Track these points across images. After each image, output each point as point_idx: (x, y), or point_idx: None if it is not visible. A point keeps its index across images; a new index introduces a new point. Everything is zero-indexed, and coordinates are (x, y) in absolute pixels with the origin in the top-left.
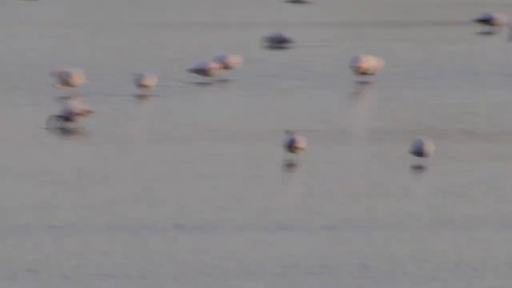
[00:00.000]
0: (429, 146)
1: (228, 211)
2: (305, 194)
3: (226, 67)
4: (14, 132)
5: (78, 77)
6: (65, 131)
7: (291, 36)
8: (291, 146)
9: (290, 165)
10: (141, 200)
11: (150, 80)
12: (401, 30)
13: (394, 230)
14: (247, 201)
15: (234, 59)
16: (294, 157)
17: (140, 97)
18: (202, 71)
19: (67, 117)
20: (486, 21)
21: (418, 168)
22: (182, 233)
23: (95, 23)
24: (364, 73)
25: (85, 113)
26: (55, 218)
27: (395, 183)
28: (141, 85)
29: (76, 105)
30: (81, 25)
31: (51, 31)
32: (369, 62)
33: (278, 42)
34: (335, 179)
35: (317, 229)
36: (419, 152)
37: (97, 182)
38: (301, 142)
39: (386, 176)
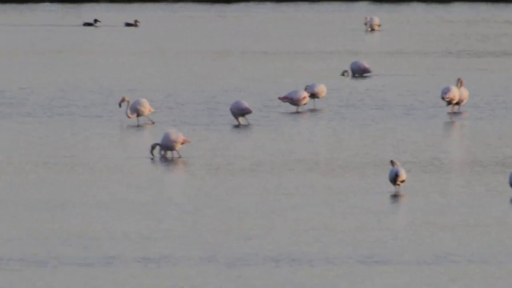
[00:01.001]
0: None
1: (325, 243)
2: (406, 226)
3: (314, 96)
4: (112, 162)
5: (147, 106)
6: (165, 160)
7: (370, 66)
8: (395, 178)
9: (391, 196)
10: (236, 231)
11: (247, 110)
12: (474, 59)
13: (493, 263)
14: (344, 233)
15: (322, 88)
16: (396, 189)
17: (233, 126)
18: (291, 100)
19: (168, 146)
20: None
21: None
22: (277, 266)
23: (184, 50)
24: (455, 103)
25: (184, 142)
26: (150, 250)
27: (494, 215)
28: (240, 113)
29: (175, 134)
30: (171, 52)
31: (137, 58)
32: (459, 92)
33: (359, 72)
34: (435, 211)
35: (417, 262)
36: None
37: (191, 213)
38: (404, 174)
39: (486, 207)
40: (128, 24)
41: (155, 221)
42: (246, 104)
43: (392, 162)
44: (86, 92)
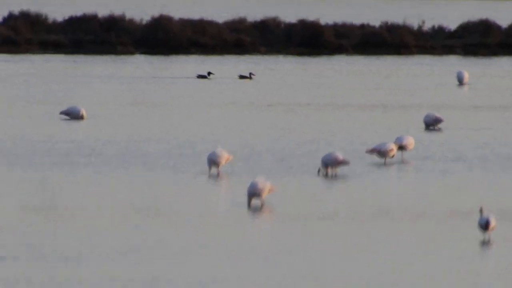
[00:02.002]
0: None
1: None
2: (501, 275)
3: (402, 148)
4: (198, 210)
5: (225, 155)
6: (253, 208)
7: (443, 117)
8: (486, 226)
9: (483, 244)
10: (313, 281)
11: (341, 161)
12: None
13: None
14: (440, 282)
15: (410, 141)
16: (486, 236)
17: (321, 175)
18: (379, 152)
19: (256, 194)
20: None
21: None
22: None
23: (287, 103)
24: None
25: (272, 190)
26: None
27: None
28: (337, 163)
29: (263, 182)
30: (274, 105)
31: (218, 111)
32: None
33: (434, 123)
34: None
35: None
36: None
37: (273, 260)
38: (494, 220)
39: None
40: (242, 77)
41: (234, 267)
42: (340, 155)
43: (481, 210)
44: (169, 143)
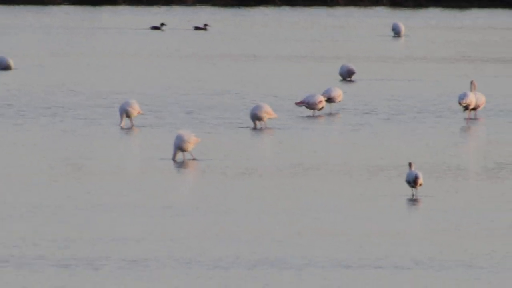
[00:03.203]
0: None
1: (338, 247)
2: (429, 230)
3: (330, 100)
4: (130, 164)
5: (136, 108)
6: (181, 162)
7: (355, 67)
8: (415, 181)
9: (411, 200)
10: (238, 235)
11: (269, 113)
12: (491, 65)
13: (506, 269)
14: (357, 237)
15: (338, 93)
16: (413, 191)
17: (252, 128)
18: (308, 104)
19: (182, 146)
20: None
21: None
22: (286, 268)
23: (224, 54)
24: (472, 108)
25: (196, 142)
26: (143, 252)
27: (507, 220)
28: (256, 117)
29: (188, 135)
30: (210, 57)
31: (156, 60)
32: (476, 98)
33: (347, 75)
34: (449, 215)
35: (448, 268)
36: None
37: (194, 215)
38: (422, 177)
39: (500, 212)
40: (197, 28)
41: (156, 223)
42: (267, 107)
43: (410, 164)
44: (82, 94)
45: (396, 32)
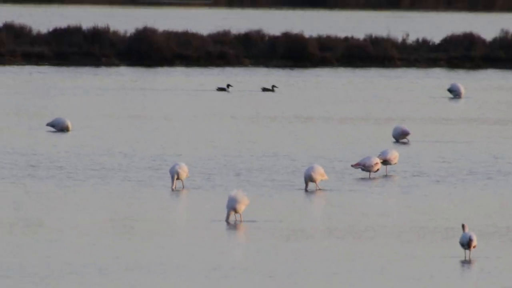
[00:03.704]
0: None
1: None
2: None
3: (386, 162)
4: (180, 225)
5: (185, 170)
6: (233, 224)
7: (409, 129)
8: (469, 244)
9: (465, 262)
10: None
11: (321, 174)
12: None
13: None
14: None
15: (394, 155)
16: (467, 254)
17: (304, 190)
18: (364, 166)
19: (236, 207)
20: None
21: None
22: None
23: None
24: None
25: (247, 204)
26: None
27: None
28: (310, 178)
29: (241, 195)
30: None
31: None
32: None
33: (400, 136)
34: (508, 278)
35: None
36: None
37: (256, 278)
38: (475, 239)
39: None
40: (265, 89)
41: (216, 285)
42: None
43: (463, 226)
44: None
45: (456, 94)
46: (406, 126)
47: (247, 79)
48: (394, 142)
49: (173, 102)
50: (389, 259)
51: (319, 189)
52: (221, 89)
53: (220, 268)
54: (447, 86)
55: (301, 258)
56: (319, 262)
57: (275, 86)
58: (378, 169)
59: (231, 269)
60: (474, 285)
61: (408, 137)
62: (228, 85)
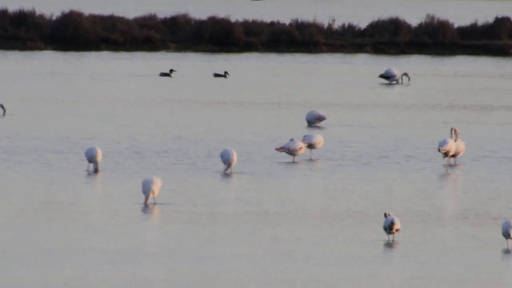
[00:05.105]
0: None
1: None
2: (403, 278)
3: (311, 146)
4: (88, 208)
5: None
6: (151, 207)
7: (325, 113)
8: (390, 227)
9: (388, 246)
10: (210, 282)
11: (234, 158)
12: (473, 112)
13: None
14: (335, 284)
15: (319, 139)
16: (391, 238)
17: (229, 175)
18: (288, 150)
19: (152, 191)
20: None
21: (508, 251)
22: None
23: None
24: (451, 155)
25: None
26: None
27: (486, 269)
28: (228, 164)
29: (157, 180)
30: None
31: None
32: (455, 144)
33: (314, 120)
34: (427, 263)
35: None
36: (507, 233)
37: (166, 261)
38: (399, 223)
39: (479, 261)
40: (217, 75)
41: (128, 270)
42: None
43: (385, 215)
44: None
45: (392, 79)
46: (322, 111)
47: (180, 64)
48: (307, 126)
49: (105, 87)
50: (308, 242)
51: (237, 173)
52: (164, 74)
53: (132, 251)
54: (377, 72)
55: (222, 242)
56: (231, 246)
57: (227, 73)
58: (302, 153)
59: (144, 253)
60: (397, 268)
61: (324, 122)
62: (171, 70)
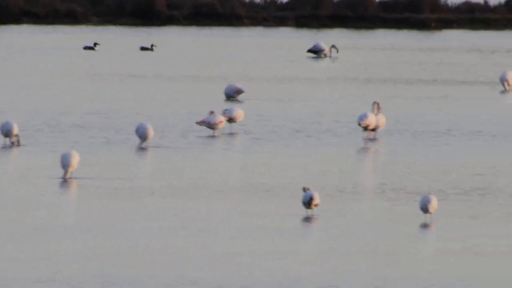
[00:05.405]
0: (434, 203)
1: (233, 268)
2: (320, 251)
3: (231, 120)
4: (17, 182)
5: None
6: (69, 181)
7: (243, 87)
8: (309, 202)
9: (306, 220)
10: (127, 256)
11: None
12: (394, 86)
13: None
14: (253, 258)
15: (239, 113)
16: (309, 212)
17: (145, 149)
18: (209, 124)
19: (70, 165)
20: None
21: (426, 225)
22: None
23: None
24: (371, 129)
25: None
26: (38, 272)
27: (402, 243)
28: (144, 138)
29: (74, 154)
30: (121, 76)
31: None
32: (376, 118)
33: (233, 94)
34: (348, 236)
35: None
36: (425, 208)
37: (82, 236)
38: (317, 198)
39: (396, 234)
40: (144, 48)
41: (44, 244)
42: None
43: (304, 189)
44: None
45: (320, 53)
46: (240, 85)
47: (103, 37)
48: (226, 100)
49: (27, 61)
50: (225, 216)
51: (156, 147)
52: (88, 48)
53: (49, 226)
54: (300, 45)
55: (129, 216)
56: (148, 220)
57: (154, 45)
58: (222, 127)
59: (61, 227)
60: (314, 242)
61: (243, 95)
62: (95, 44)
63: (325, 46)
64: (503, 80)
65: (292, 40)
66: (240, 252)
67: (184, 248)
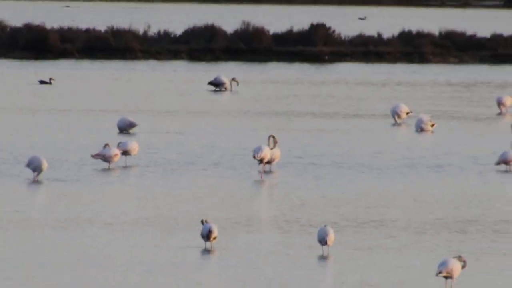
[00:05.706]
0: (332, 235)
1: None
2: (216, 282)
3: (126, 153)
4: None
5: None
6: None
7: (136, 120)
8: (208, 236)
9: (206, 253)
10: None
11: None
12: (306, 120)
13: None
14: None
15: (134, 146)
16: (208, 245)
17: (39, 182)
18: (105, 157)
19: None
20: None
21: (324, 257)
22: None
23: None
24: (266, 162)
25: None
26: None
27: (301, 274)
28: (37, 170)
29: None
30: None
31: None
32: (271, 151)
33: (126, 127)
34: (246, 268)
35: None
36: (323, 240)
37: None
38: (216, 230)
39: (294, 266)
40: (43, 82)
41: None
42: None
43: (202, 222)
44: None
45: (220, 87)
46: (133, 118)
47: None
48: (119, 133)
49: None
50: (120, 249)
51: (50, 180)
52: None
53: None
54: (192, 78)
55: (22, 248)
56: (40, 253)
57: (52, 79)
58: (117, 160)
59: None
60: (213, 275)
61: (136, 129)
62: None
63: (226, 79)
64: (393, 113)
65: (186, 74)
66: (135, 285)
67: (76, 281)
